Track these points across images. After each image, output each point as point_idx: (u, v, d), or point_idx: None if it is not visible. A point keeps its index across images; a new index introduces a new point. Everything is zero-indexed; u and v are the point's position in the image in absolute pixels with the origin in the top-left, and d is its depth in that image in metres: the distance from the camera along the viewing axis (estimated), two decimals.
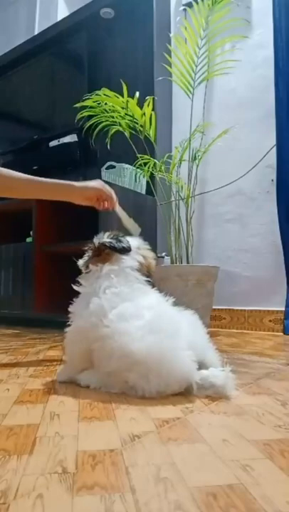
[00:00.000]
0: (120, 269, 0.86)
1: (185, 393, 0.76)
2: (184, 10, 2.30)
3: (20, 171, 1.08)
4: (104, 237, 0.91)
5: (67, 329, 0.86)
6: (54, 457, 0.48)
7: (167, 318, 0.80)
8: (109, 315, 0.78)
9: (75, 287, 0.90)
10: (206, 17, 1.83)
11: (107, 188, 1.12)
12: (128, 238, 0.93)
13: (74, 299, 0.89)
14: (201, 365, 0.78)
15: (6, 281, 2.26)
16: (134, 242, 0.93)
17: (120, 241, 0.90)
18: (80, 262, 0.93)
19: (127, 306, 0.79)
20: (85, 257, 0.93)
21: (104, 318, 0.78)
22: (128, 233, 1.07)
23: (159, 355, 0.73)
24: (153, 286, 0.91)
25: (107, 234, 0.93)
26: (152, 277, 0.92)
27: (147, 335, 0.74)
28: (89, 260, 0.91)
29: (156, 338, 0.74)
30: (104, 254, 0.89)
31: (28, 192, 1.12)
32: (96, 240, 0.92)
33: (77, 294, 0.90)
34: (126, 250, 0.89)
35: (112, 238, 0.90)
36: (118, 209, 1.16)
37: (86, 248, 0.94)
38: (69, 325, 0.86)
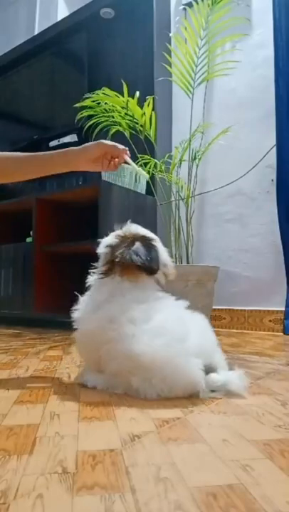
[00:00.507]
0: (140, 284, 0.83)
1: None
2: (184, 9, 2.30)
3: None
4: (137, 246, 0.81)
5: (74, 334, 0.84)
6: (54, 457, 0.48)
7: (175, 322, 0.77)
8: (118, 319, 0.76)
9: (85, 295, 0.85)
10: (206, 17, 1.83)
11: (110, 142, 0.97)
12: (156, 247, 0.84)
13: (78, 304, 0.85)
14: (208, 369, 0.77)
15: (6, 281, 2.26)
16: (161, 254, 0.85)
17: (151, 259, 0.81)
18: (100, 268, 0.85)
19: (137, 310, 0.77)
20: (105, 261, 0.84)
21: (112, 322, 0.77)
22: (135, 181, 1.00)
23: (163, 360, 0.71)
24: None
25: (137, 234, 0.84)
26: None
27: (153, 338, 0.73)
28: (110, 268, 0.83)
29: (161, 341, 0.72)
30: (130, 268, 0.81)
31: (23, 174, 1.00)
32: (126, 253, 0.80)
33: (78, 295, 0.87)
34: (155, 271, 0.83)
35: (144, 250, 0.81)
36: (128, 160, 1.00)
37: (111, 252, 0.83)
38: (75, 329, 0.84)
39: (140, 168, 1.04)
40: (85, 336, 0.82)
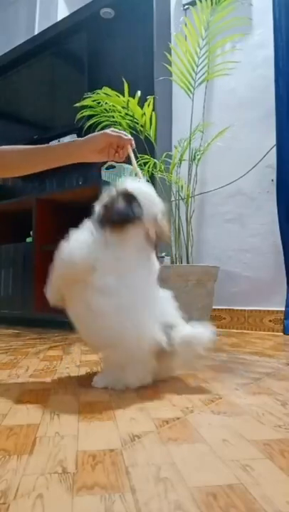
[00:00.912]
0: (125, 241, 0.82)
1: (185, 393, 0.77)
2: (186, 9, 2.30)
3: None
4: (119, 203, 0.82)
5: (62, 247, 0.84)
6: (54, 457, 0.48)
7: (142, 296, 0.81)
8: (95, 281, 0.79)
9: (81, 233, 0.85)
10: (208, 16, 1.83)
11: (116, 131, 0.95)
12: (139, 201, 0.83)
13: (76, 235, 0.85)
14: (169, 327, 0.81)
15: (6, 281, 2.26)
16: (149, 208, 0.83)
17: (129, 213, 0.81)
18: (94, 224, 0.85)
19: (113, 274, 0.79)
20: (98, 219, 0.84)
21: (89, 270, 0.79)
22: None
23: (129, 331, 0.76)
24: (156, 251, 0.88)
25: (123, 189, 0.84)
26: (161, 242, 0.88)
27: (122, 312, 0.76)
28: (103, 225, 0.83)
29: (128, 315, 0.76)
30: (117, 225, 0.82)
31: (27, 167, 0.99)
32: (110, 213, 0.82)
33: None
34: (130, 222, 0.81)
35: (125, 205, 0.81)
36: (130, 151, 0.98)
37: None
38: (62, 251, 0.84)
39: (139, 170, 1.03)
40: (67, 257, 0.83)
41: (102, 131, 0.95)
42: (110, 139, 0.94)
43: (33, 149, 0.98)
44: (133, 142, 0.97)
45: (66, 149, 0.96)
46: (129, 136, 0.96)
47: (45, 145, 0.99)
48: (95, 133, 0.96)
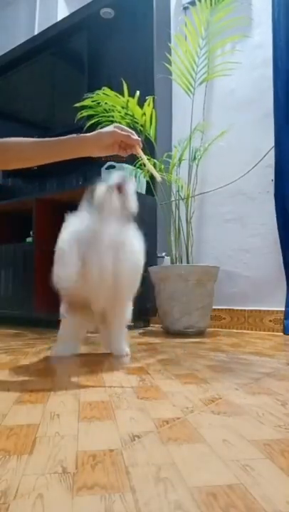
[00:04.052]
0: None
1: (185, 393, 0.77)
2: (186, 9, 2.30)
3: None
4: None
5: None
6: (54, 457, 0.48)
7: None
8: None
9: None
10: (208, 16, 1.83)
11: (125, 129, 0.98)
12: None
13: None
14: None
15: (6, 281, 2.26)
16: None
17: None
18: None
19: None
20: None
21: None
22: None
23: None
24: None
25: None
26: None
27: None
28: None
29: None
30: None
31: (39, 158, 1.02)
32: None
33: None
34: None
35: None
36: (140, 153, 1.03)
37: None
38: None
39: (153, 168, 1.05)
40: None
41: (111, 129, 0.96)
42: (119, 137, 0.96)
43: (47, 141, 0.99)
44: (140, 143, 0.99)
45: (82, 144, 0.97)
46: (137, 137, 0.98)
47: (58, 138, 0.99)
48: (105, 130, 0.97)
